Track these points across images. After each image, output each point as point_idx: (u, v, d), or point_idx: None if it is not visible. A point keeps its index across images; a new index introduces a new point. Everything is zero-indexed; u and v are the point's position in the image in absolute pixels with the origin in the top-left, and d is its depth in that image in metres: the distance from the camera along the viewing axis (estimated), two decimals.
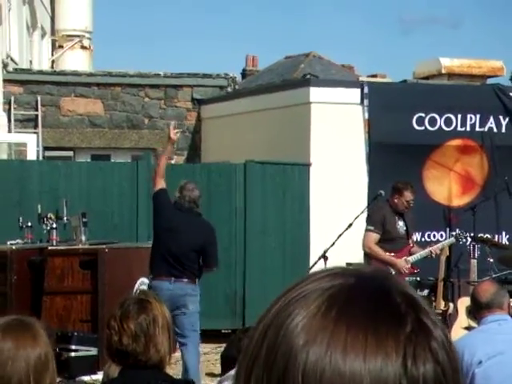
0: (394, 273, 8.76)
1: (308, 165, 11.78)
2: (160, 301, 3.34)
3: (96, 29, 17.85)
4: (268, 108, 12.78)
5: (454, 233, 9.97)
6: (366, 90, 11.92)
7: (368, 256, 8.97)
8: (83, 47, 17.10)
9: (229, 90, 15.19)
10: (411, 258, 8.91)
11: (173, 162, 14.75)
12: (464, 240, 9.48)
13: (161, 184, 8.08)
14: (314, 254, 9.93)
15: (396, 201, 8.94)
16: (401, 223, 9.03)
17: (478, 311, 4.86)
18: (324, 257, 8.56)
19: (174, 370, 7.93)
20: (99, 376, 7.49)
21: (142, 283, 8.83)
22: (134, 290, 7.65)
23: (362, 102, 11.89)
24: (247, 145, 12.95)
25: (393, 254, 8.88)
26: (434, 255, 8.99)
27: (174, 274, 7.84)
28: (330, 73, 17.36)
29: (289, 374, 0.78)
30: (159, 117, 15.05)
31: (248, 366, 0.81)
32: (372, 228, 8.92)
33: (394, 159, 11.65)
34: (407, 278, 9.14)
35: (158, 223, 7.99)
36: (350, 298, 0.81)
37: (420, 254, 8.94)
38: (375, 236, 8.83)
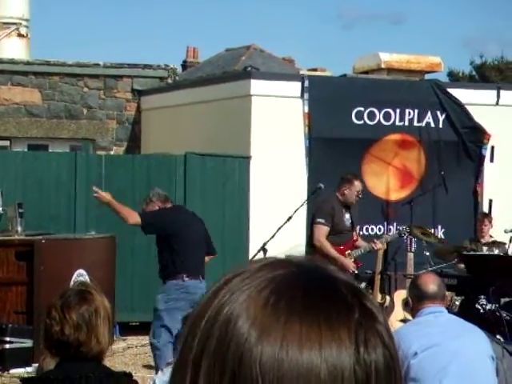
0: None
1: (248, 157, 11.78)
2: (100, 292, 3.31)
3: (34, 17, 17.57)
4: (208, 100, 12.74)
5: (399, 227, 10.08)
6: (306, 83, 11.96)
7: (315, 249, 8.98)
8: (20, 35, 16.80)
9: (169, 81, 15.09)
10: (354, 253, 8.97)
11: (112, 152, 14.62)
12: (406, 235, 9.58)
13: (131, 211, 7.99)
14: (254, 246, 9.95)
15: (346, 192, 8.99)
16: (347, 216, 9.09)
17: (419, 301, 4.87)
18: (263, 249, 8.58)
19: (111, 362, 7.87)
20: (34, 368, 7.39)
21: (80, 274, 8.74)
22: (72, 281, 7.57)
23: (302, 96, 11.92)
24: (187, 137, 12.90)
25: (342, 247, 8.94)
26: (376, 248, 9.05)
27: (201, 272, 7.96)
28: (270, 66, 17.37)
29: (245, 368, 0.78)
30: (98, 107, 14.89)
31: (196, 356, 0.80)
32: (323, 221, 8.94)
33: (334, 153, 11.72)
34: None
35: (170, 228, 7.90)
36: (297, 288, 0.81)
37: (364, 248, 9.02)
38: (325, 229, 8.87)
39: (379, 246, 9.01)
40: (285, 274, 0.82)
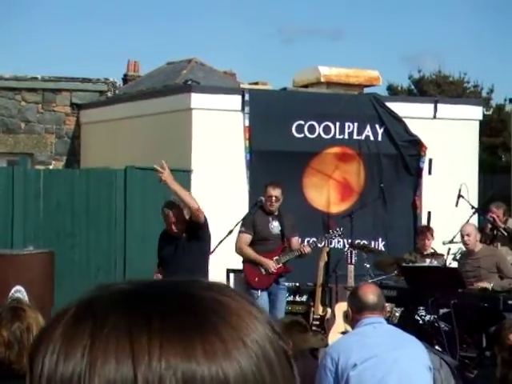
0: (264, 272, 8.87)
1: (189, 171, 11.74)
2: (35, 309, 3.25)
3: None
4: (149, 114, 12.68)
5: (326, 234, 10.15)
6: (246, 97, 11.99)
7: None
8: None
9: (109, 94, 14.99)
10: (282, 258, 9.00)
11: (51, 167, 14.45)
12: (334, 237, 9.67)
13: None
14: None
15: (264, 199, 9.10)
16: (275, 223, 9.11)
17: (359, 312, 4.87)
18: None
19: None
20: None
21: (17, 291, 8.59)
22: (9, 298, 7.44)
23: (242, 109, 11.95)
24: (128, 150, 12.81)
25: (271, 254, 8.97)
26: (304, 252, 9.06)
27: None
28: (211, 79, 17.36)
29: None
30: (36, 121, 14.70)
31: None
32: (243, 229, 9.06)
33: (275, 166, 11.75)
34: (287, 284, 9.25)
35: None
36: (103, 305, 0.81)
37: (292, 253, 9.05)
38: (245, 236, 8.93)
39: (308, 249, 9.06)
40: (97, 294, 0.84)
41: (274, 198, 9.02)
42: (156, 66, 18.15)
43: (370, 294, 4.85)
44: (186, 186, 11.69)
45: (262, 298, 8.80)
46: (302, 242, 11.66)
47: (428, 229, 10.80)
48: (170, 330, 0.78)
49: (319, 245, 9.64)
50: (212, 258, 8.60)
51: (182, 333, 0.78)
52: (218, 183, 11.75)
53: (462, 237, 9.35)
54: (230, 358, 0.78)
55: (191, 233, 7.87)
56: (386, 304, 8.35)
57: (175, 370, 0.77)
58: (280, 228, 9.09)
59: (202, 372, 0.77)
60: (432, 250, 10.47)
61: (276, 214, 9.14)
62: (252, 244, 8.98)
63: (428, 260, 10.06)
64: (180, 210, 7.92)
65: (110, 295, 0.82)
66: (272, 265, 8.89)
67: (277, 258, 9.03)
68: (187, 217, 7.83)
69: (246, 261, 9.05)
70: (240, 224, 9.14)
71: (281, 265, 8.96)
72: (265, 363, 0.80)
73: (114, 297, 0.82)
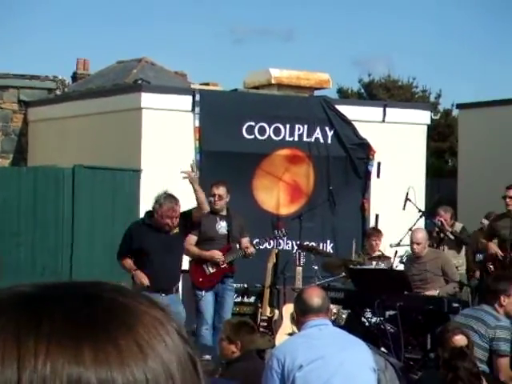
0: (211, 271, 8.87)
1: (138, 170, 11.68)
2: None
3: None
4: (98, 112, 12.58)
5: (271, 235, 10.19)
6: (197, 97, 11.96)
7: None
8: None
9: (58, 92, 14.83)
10: (227, 258, 9.01)
11: None
12: (278, 238, 9.69)
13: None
14: None
15: (211, 199, 9.15)
16: (223, 224, 9.13)
17: (304, 315, 4.91)
18: None
19: None
20: None
21: None
22: None
23: (193, 110, 11.91)
24: (76, 149, 12.69)
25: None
26: (248, 252, 9.10)
27: None
28: (162, 79, 17.29)
29: None
30: None
31: None
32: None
33: (224, 167, 11.74)
34: (235, 285, 9.25)
35: None
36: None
37: (237, 253, 9.08)
38: (190, 237, 8.94)
39: (251, 250, 9.09)
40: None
41: (217, 197, 9.05)
42: (106, 65, 18.04)
43: (314, 297, 4.88)
44: (135, 185, 11.64)
45: (206, 298, 8.80)
46: (251, 243, 11.71)
47: (377, 231, 10.89)
48: (59, 334, 0.77)
49: (261, 246, 9.66)
50: None
51: (73, 336, 0.77)
52: (168, 183, 11.67)
53: (412, 243, 9.43)
54: (121, 364, 0.77)
55: (184, 230, 7.96)
56: (333, 306, 8.42)
57: (60, 374, 0.75)
58: (227, 228, 9.10)
59: (89, 377, 0.76)
60: (379, 253, 10.56)
61: (224, 214, 9.15)
62: (198, 244, 8.98)
63: (375, 262, 10.15)
64: (180, 206, 8.17)
65: (7, 298, 0.81)
66: (217, 253, 8.90)
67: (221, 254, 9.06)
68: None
69: (192, 261, 9.05)
70: None
71: (225, 265, 8.97)
72: (164, 374, 0.79)
73: (10, 299, 0.80)
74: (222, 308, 8.91)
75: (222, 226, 9.12)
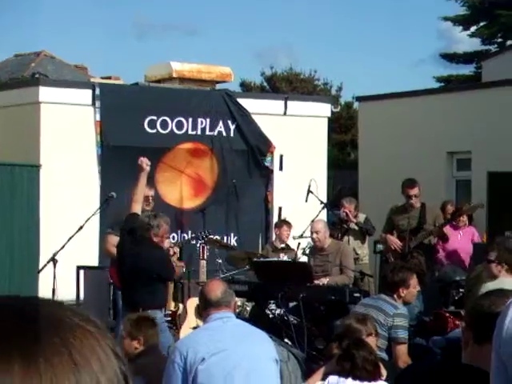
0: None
1: (38, 166, 11.46)
2: None
3: None
4: None
5: (193, 235, 10.17)
6: (97, 91, 11.80)
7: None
8: None
9: None
10: None
11: None
12: (202, 240, 9.66)
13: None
14: (44, 257, 9.67)
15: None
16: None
17: (205, 309, 4.94)
18: (53, 260, 8.41)
19: None
20: None
21: None
22: None
23: (93, 104, 11.76)
24: None
25: None
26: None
27: None
28: (62, 73, 17.02)
29: None
30: None
31: None
32: (110, 230, 9.09)
33: (127, 162, 11.61)
34: None
35: None
36: None
37: None
38: (112, 238, 8.87)
39: (175, 249, 9.09)
40: None
41: (150, 198, 9.07)
42: (3, 58, 17.64)
43: (214, 290, 4.90)
44: (35, 180, 11.42)
45: None
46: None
47: (286, 222, 10.98)
48: None
49: (172, 241, 9.65)
50: (61, 255, 8.44)
51: (3, 348, 0.76)
52: (68, 178, 11.53)
53: (311, 233, 9.55)
54: (53, 376, 0.77)
55: None
56: (238, 299, 8.44)
57: None
58: None
59: None
60: (284, 245, 10.65)
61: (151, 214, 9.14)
62: None
63: (280, 255, 10.22)
64: None
65: None
66: None
67: None
68: None
69: (113, 262, 8.93)
70: (108, 224, 9.10)
71: None
72: None
73: None
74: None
75: None
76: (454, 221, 10.91)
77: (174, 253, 9.09)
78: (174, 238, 12.07)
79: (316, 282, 9.00)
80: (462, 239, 11.05)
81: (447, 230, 10.32)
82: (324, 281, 9.06)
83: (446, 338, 7.76)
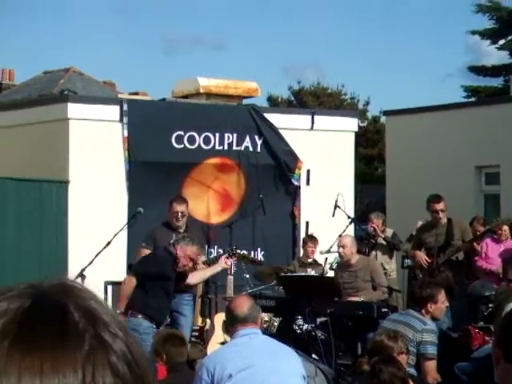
0: None
1: (66, 182, 11.53)
2: None
3: None
4: (25, 123, 12.39)
5: (221, 251, 10.22)
6: (125, 107, 11.87)
7: None
8: None
9: None
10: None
11: None
12: (234, 256, 9.67)
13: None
14: (73, 273, 9.72)
15: (169, 214, 9.23)
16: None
17: (232, 325, 4.95)
18: (82, 275, 8.45)
19: None
20: None
21: None
22: None
23: (121, 120, 11.82)
24: (3, 161, 12.47)
25: None
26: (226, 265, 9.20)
27: None
28: (90, 89, 17.17)
29: None
30: None
31: None
32: (144, 244, 9.25)
33: (154, 177, 11.69)
34: None
35: None
36: (25, 322, 0.81)
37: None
38: (144, 251, 9.00)
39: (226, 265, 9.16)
40: (18, 307, 0.83)
41: (179, 214, 9.19)
42: (32, 75, 17.82)
43: (241, 306, 4.90)
44: (63, 196, 11.50)
45: None
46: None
47: (313, 238, 10.98)
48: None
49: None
50: (89, 270, 8.48)
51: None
52: (97, 194, 11.59)
53: (338, 247, 9.53)
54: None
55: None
56: (265, 314, 8.44)
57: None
58: None
59: None
60: (311, 260, 10.63)
61: (182, 231, 9.25)
62: None
63: (308, 270, 10.20)
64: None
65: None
66: (223, 261, 9.04)
67: None
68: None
69: None
70: (143, 239, 9.32)
71: None
72: None
73: None
74: (177, 322, 8.93)
75: None
76: (494, 234, 10.75)
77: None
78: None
79: (350, 299, 8.96)
80: (505, 253, 10.80)
81: (482, 244, 10.28)
82: (358, 299, 9.01)
83: (472, 361, 7.58)
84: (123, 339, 0.84)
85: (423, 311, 6.54)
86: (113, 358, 0.82)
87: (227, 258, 9.03)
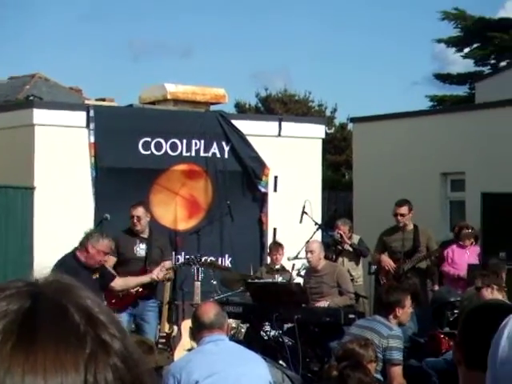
0: (121, 295, 8.79)
1: (32, 188, 11.45)
2: None
3: None
4: None
5: (187, 257, 10.20)
6: (91, 113, 11.82)
7: None
8: None
9: None
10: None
11: None
12: (196, 264, 9.67)
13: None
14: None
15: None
16: (142, 246, 9.17)
17: (198, 331, 4.94)
18: None
19: None
20: None
21: None
22: None
23: (88, 126, 11.77)
24: None
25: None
26: (156, 277, 9.08)
27: None
28: (56, 95, 17.07)
29: None
30: None
31: None
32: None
33: (121, 183, 11.64)
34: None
35: None
36: (27, 324, 0.81)
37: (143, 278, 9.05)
38: (111, 259, 8.92)
39: (159, 275, 9.07)
40: (18, 309, 0.82)
41: (135, 218, 9.16)
42: None
43: (207, 313, 4.90)
44: (29, 203, 11.41)
45: (123, 319, 8.73)
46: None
47: (278, 244, 11.00)
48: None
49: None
50: None
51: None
52: (63, 200, 11.51)
53: (306, 252, 9.56)
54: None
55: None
56: (232, 320, 8.43)
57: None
58: (146, 251, 9.13)
59: None
60: (278, 266, 10.64)
61: (145, 236, 9.23)
62: (116, 264, 9.00)
63: (275, 276, 10.22)
64: None
65: None
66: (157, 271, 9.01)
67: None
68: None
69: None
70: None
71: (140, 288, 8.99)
72: None
73: None
74: (142, 329, 8.92)
75: (140, 249, 9.16)
76: (460, 241, 10.91)
77: (169, 279, 9.13)
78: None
79: (317, 304, 8.99)
80: (470, 258, 10.97)
81: (447, 250, 10.39)
82: (325, 304, 9.04)
83: (444, 358, 7.71)
84: (121, 340, 0.85)
85: (391, 316, 6.57)
86: (113, 359, 0.83)
87: (161, 270, 8.99)
